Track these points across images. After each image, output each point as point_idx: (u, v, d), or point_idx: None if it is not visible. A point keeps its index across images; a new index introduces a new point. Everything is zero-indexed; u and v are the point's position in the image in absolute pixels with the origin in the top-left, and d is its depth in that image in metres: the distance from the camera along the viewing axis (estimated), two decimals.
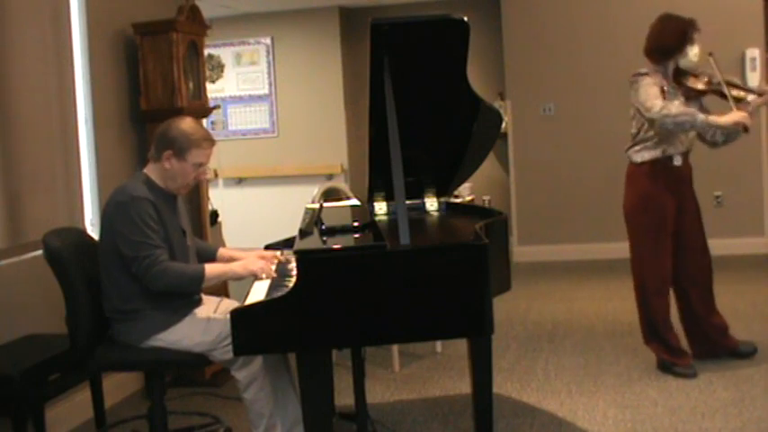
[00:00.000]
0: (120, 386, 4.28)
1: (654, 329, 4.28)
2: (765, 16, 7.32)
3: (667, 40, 4.12)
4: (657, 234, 4.18)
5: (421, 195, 3.91)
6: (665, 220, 4.17)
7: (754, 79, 7.19)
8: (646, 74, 4.13)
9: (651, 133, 4.12)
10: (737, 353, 4.35)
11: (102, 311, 3.12)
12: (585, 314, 5.64)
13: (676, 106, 3.98)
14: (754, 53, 7.24)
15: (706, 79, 4.17)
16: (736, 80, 4.35)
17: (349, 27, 8.64)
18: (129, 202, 2.99)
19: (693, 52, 4.15)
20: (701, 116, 3.97)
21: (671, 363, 4.21)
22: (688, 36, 4.10)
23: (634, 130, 4.20)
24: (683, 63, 4.17)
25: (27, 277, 3.74)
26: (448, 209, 3.94)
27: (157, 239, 3.00)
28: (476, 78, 3.89)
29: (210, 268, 3.08)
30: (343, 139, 8.61)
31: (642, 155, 4.16)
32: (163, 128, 3.14)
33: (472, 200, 6.38)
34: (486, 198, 7.43)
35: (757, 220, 7.39)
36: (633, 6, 7.51)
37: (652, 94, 4.00)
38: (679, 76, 4.19)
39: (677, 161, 4.16)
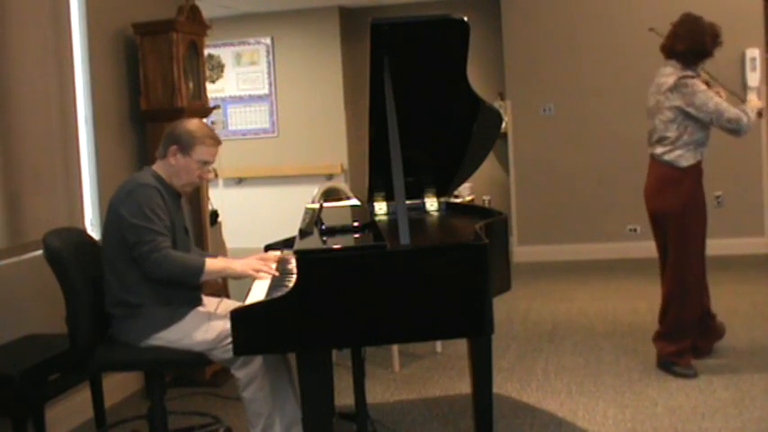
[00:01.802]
0: (120, 386, 4.28)
1: (677, 329, 4.23)
2: (765, 16, 7.32)
3: (707, 43, 4.11)
4: (704, 235, 4.22)
5: (421, 195, 3.91)
6: (706, 222, 4.22)
7: (753, 79, 7.20)
8: (693, 76, 4.09)
9: (697, 135, 4.10)
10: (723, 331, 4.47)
11: (102, 311, 3.12)
12: (585, 314, 5.64)
13: (750, 112, 4.07)
14: (754, 53, 7.25)
15: (708, 82, 4.22)
16: (718, 80, 4.40)
17: (349, 27, 8.64)
18: (137, 188, 3.05)
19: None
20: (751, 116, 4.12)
21: (672, 362, 4.21)
22: (719, 40, 4.15)
23: (672, 135, 4.11)
24: (699, 68, 4.19)
25: (27, 277, 3.74)
26: (448, 209, 3.94)
27: (161, 227, 3.03)
28: (476, 78, 3.89)
29: (211, 263, 3.10)
30: (343, 139, 8.61)
31: (688, 159, 4.13)
32: (171, 126, 3.24)
33: (472, 200, 6.39)
34: (486, 198, 7.44)
35: (757, 220, 7.39)
36: (633, 7, 7.52)
37: (724, 102, 4.06)
38: None
39: (702, 164, 4.23)
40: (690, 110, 4.05)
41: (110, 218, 3.11)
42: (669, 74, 4.13)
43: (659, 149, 4.19)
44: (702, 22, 4.14)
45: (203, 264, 3.06)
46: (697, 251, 4.22)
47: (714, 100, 4.04)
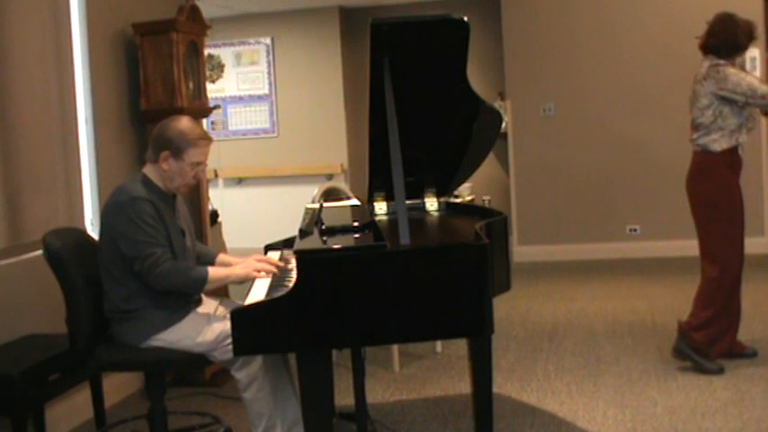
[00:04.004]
0: (120, 386, 4.28)
1: (715, 321, 4.24)
2: (765, 16, 7.32)
3: (742, 37, 4.22)
4: (741, 223, 4.30)
5: (421, 195, 3.91)
6: (743, 209, 4.30)
7: None
8: (725, 64, 4.20)
9: (731, 120, 4.17)
10: (743, 354, 4.39)
11: (102, 311, 3.12)
12: (585, 314, 5.64)
13: None
14: (754, 53, 7.24)
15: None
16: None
17: (349, 27, 8.64)
18: (127, 202, 3.00)
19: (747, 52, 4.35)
20: None
21: (707, 358, 4.21)
22: (754, 36, 4.26)
23: (707, 120, 4.21)
24: (738, 61, 4.31)
25: (27, 277, 3.74)
26: (448, 209, 3.93)
27: (159, 238, 3.01)
28: (476, 78, 3.89)
29: (213, 271, 3.09)
30: (343, 139, 8.61)
31: (721, 144, 4.21)
32: (159, 128, 3.13)
33: (472, 200, 6.39)
34: (486, 198, 7.44)
35: (757, 220, 7.38)
36: (633, 7, 7.52)
37: (752, 79, 4.15)
38: None
39: (741, 151, 4.28)
40: (724, 93, 4.14)
41: (103, 229, 3.09)
42: (705, 66, 4.24)
43: (695, 135, 4.29)
44: (736, 18, 4.25)
45: (206, 274, 3.04)
46: (740, 242, 4.27)
47: (747, 79, 4.13)
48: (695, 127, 4.30)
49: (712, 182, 4.27)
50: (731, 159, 4.24)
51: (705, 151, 4.26)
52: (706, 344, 4.23)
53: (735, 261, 4.30)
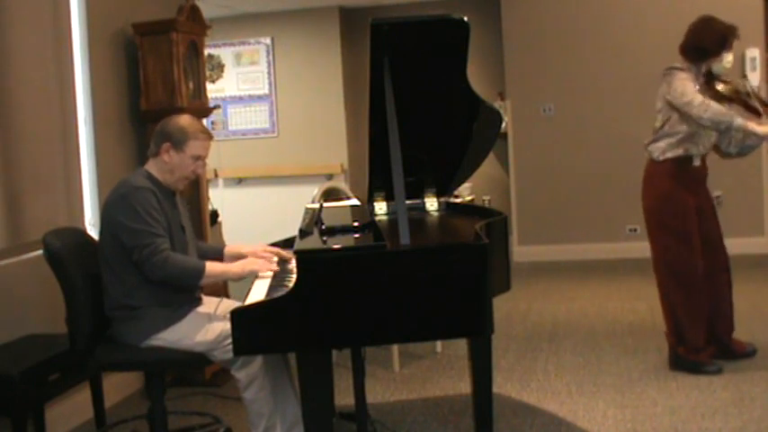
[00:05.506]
0: (120, 386, 4.28)
1: (681, 331, 4.21)
2: (765, 16, 7.32)
3: (707, 42, 4.11)
4: (682, 232, 4.16)
5: (421, 195, 3.90)
6: (686, 217, 4.16)
7: (753, 79, 7.19)
8: (681, 69, 4.12)
9: (678, 128, 4.10)
10: (743, 354, 4.37)
11: (102, 311, 3.12)
12: (585, 314, 5.64)
13: (717, 105, 3.99)
14: (754, 53, 7.24)
15: (733, 87, 4.19)
16: (763, 96, 4.36)
17: (349, 27, 8.64)
18: (130, 192, 3.03)
19: (728, 59, 4.15)
20: (738, 119, 3.96)
21: (699, 363, 4.19)
22: (728, 42, 4.11)
23: (658, 124, 4.17)
24: (715, 68, 4.16)
25: (27, 277, 3.74)
26: (448, 209, 3.93)
27: (159, 228, 3.02)
28: (476, 78, 3.88)
29: (211, 266, 3.10)
30: (343, 139, 8.61)
31: (664, 153, 4.14)
32: (161, 124, 3.21)
33: (472, 200, 6.39)
34: (486, 198, 7.44)
35: (757, 220, 7.39)
36: (633, 7, 7.52)
37: (690, 88, 4.02)
38: (709, 80, 4.19)
39: (696, 161, 4.17)
40: (668, 97, 4.08)
41: (105, 222, 3.11)
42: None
43: (647, 141, 4.24)
44: (714, 23, 4.14)
45: (203, 267, 3.05)
46: (676, 252, 4.17)
47: (690, 90, 4.00)
48: (653, 131, 4.24)
49: (653, 191, 4.21)
50: (676, 170, 4.14)
51: (650, 159, 4.20)
52: (692, 353, 4.21)
53: (678, 270, 4.18)
